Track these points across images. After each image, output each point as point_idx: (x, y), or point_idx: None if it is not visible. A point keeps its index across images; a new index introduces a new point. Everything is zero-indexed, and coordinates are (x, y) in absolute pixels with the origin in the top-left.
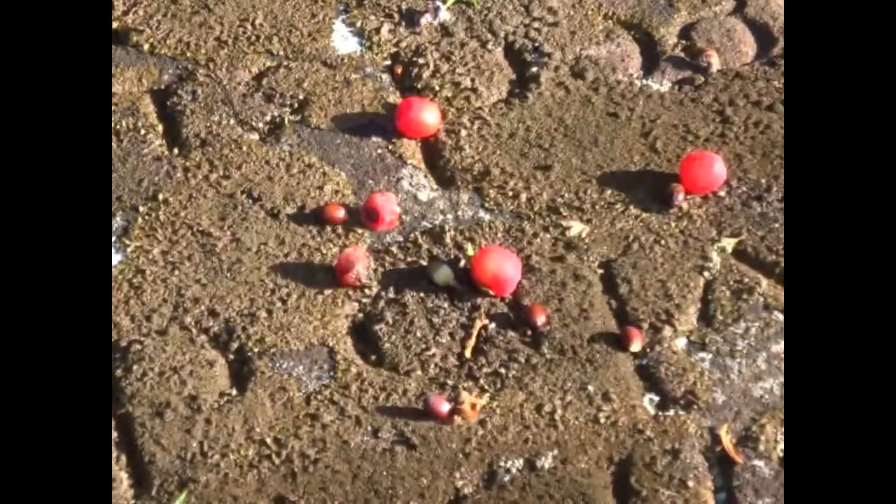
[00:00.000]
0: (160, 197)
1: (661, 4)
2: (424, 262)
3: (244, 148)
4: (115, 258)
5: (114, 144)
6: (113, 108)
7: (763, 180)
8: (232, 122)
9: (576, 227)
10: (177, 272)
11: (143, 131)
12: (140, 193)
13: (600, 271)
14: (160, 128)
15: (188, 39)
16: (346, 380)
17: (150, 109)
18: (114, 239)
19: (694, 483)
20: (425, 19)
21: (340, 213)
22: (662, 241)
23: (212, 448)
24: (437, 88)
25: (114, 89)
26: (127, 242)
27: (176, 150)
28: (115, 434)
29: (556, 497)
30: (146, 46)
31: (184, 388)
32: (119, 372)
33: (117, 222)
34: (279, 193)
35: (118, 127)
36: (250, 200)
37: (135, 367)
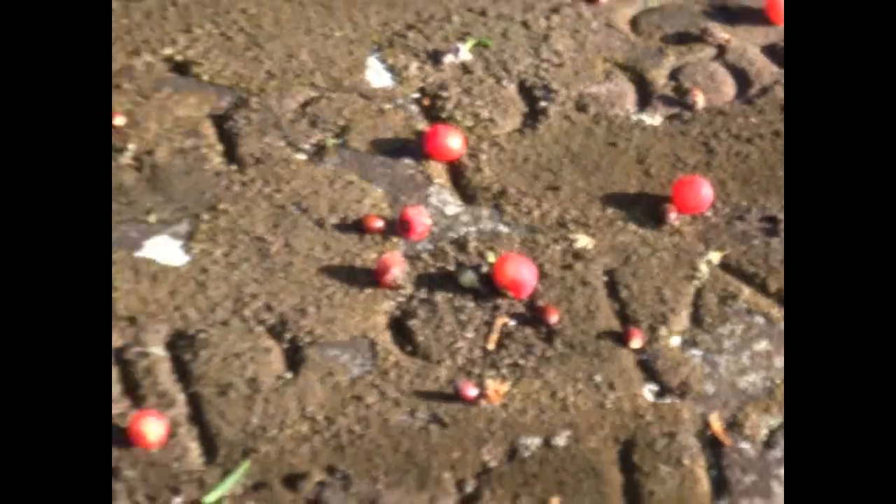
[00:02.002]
0: (220, 207)
1: (652, 50)
2: (451, 268)
3: (293, 166)
4: (183, 259)
5: (179, 160)
6: (178, 129)
7: (743, 203)
8: (282, 143)
9: (582, 240)
10: (236, 272)
11: (203, 150)
12: (202, 204)
13: (604, 278)
14: (219, 147)
15: (242, 72)
16: (386, 367)
17: (210, 131)
18: (181, 243)
19: (689, 461)
20: (448, 59)
21: (378, 224)
22: (657, 254)
23: (270, 423)
24: (459, 118)
25: (178, 113)
26: (192, 246)
27: (234, 167)
28: (186, 409)
29: (570, 470)
30: (205, 77)
31: (244, 372)
32: (188, 356)
33: (184, 228)
34: (324, 205)
35: (183, 146)
36: (299, 211)
37: (201, 353)
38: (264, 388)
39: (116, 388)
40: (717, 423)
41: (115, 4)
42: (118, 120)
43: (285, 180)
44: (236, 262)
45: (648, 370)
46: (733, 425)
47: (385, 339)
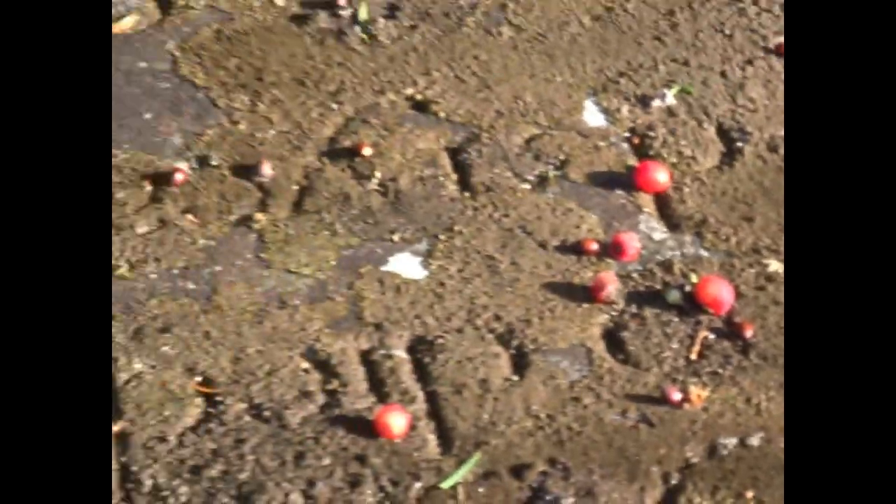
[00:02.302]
0: (455, 228)
1: None
2: (658, 287)
3: (519, 194)
4: (422, 273)
5: (419, 187)
6: (418, 160)
7: None
8: (509, 174)
9: (774, 265)
10: (469, 286)
11: (440, 178)
12: (440, 225)
13: None
14: (454, 176)
15: (474, 110)
16: (601, 373)
17: (446, 162)
18: (420, 259)
19: None
20: (655, 103)
21: (594, 246)
22: None
23: (499, 419)
24: (665, 155)
25: (418, 146)
26: (430, 262)
27: (467, 194)
28: (425, 406)
29: (763, 467)
30: (442, 114)
31: (476, 374)
32: (427, 359)
33: (423, 246)
34: (546, 229)
35: (422, 174)
36: (524, 234)
37: (439, 356)
38: (494, 388)
39: (363, 385)
40: None
41: (362, 49)
42: (366, 150)
43: (512, 206)
44: (469, 278)
45: None
46: None
47: (600, 348)
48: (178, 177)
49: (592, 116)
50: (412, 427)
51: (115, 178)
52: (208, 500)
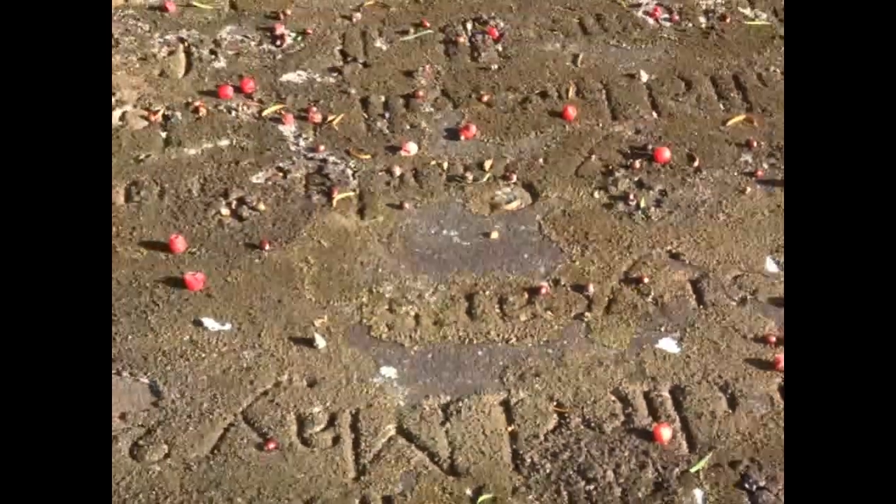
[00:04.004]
0: (696, 325)
1: None
2: None
3: (730, 307)
4: (677, 350)
5: (674, 301)
6: (673, 285)
7: None
8: (724, 296)
9: None
10: (704, 357)
11: (686, 297)
12: (687, 323)
13: None
14: (693, 295)
15: (704, 260)
16: (778, 410)
17: (688, 287)
18: (675, 341)
19: None
20: None
21: (773, 339)
22: None
23: (722, 434)
24: None
25: (674, 278)
26: (682, 343)
27: (701, 306)
28: (679, 424)
29: None
30: (687, 260)
31: (708, 408)
32: (680, 398)
33: (678, 335)
34: (746, 328)
35: (677, 293)
36: (734, 330)
37: (688, 397)
38: (718, 416)
39: (646, 411)
40: None
41: (642, 223)
42: (645, 279)
43: (726, 315)
44: (703, 353)
45: None
46: None
47: (777, 396)
48: (543, 290)
49: (771, 265)
50: (673, 436)
51: (506, 289)
52: (561, 471)
